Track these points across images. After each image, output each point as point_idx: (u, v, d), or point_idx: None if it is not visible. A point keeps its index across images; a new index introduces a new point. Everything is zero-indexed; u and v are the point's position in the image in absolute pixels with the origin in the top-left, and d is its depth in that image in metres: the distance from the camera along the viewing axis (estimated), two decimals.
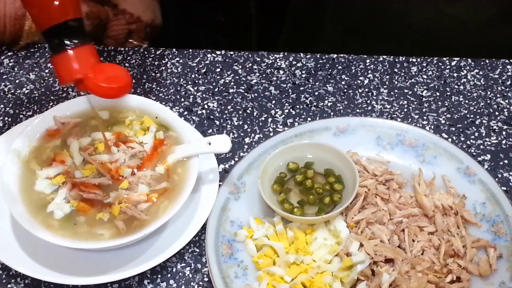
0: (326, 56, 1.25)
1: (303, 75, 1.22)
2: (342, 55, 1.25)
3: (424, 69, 1.22)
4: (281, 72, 1.23)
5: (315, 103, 1.17)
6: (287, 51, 1.27)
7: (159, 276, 0.94)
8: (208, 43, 1.95)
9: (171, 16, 1.70)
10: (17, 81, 1.23)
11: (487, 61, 1.23)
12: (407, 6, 1.30)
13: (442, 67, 1.23)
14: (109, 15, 1.39)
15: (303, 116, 1.15)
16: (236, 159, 1.08)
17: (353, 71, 1.23)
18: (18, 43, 1.26)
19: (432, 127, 1.12)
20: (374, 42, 1.37)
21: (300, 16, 1.56)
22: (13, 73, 1.24)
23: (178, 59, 1.26)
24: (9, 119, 1.16)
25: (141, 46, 1.40)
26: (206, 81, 1.22)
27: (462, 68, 1.22)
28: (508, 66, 1.22)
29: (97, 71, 0.87)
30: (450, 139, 1.10)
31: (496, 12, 1.29)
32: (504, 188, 1.02)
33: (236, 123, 1.14)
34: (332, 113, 1.15)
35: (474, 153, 1.08)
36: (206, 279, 0.94)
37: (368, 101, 1.17)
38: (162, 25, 1.50)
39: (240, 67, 1.24)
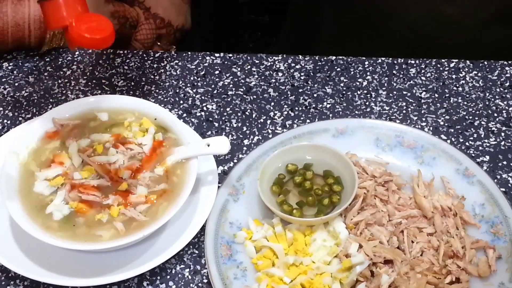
0: (325, 58, 1.26)
1: (302, 77, 1.22)
2: (340, 57, 1.25)
3: (423, 71, 1.22)
4: (280, 74, 1.23)
5: (314, 105, 1.17)
6: (286, 52, 1.28)
7: (158, 277, 0.94)
8: (255, 45, 1.95)
9: (208, 19, 1.70)
10: (16, 84, 1.23)
11: (485, 62, 1.23)
12: (404, 5, 1.30)
13: (441, 68, 1.23)
14: (139, 17, 1.39)
15: (302, 118, 1.15)
16: (235, 160, 1.08)
17: (352, 73, 1.23)
18: (42, 47, 1.26)
19: (431, 128, 1.12)
20: (372, 41, 1.38)
21: (299, 16, 1.56)
22: (12, 76, 1.24)
23: (177, 61, 1.26)
24: (8, 122, 1.16)
25: (169, 50, 1.39)
26: (205, 83, 1.22)
27: (461, 70, 1.22)
28: (507, 68, 1.22)
29: (80, 20, 0.88)
30: (449, 141, 1.10)
31: (494, 11, 1.29)
32: (503, 189, 1.02)
33: (235, 125, 1.14)
34: (331, 115, 1.15)
35: (473, 154, 1.08)
36: (205, 281, 0.94)
37: (367, 103, 1.17)
38: (190, 29, 1.49)
39: (239, 69, 1.24)
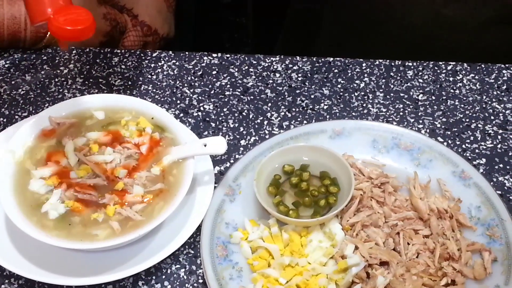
0: (322, 59, 1.26)
1: (299, 78, 1.22)
2: (338, 58, 1.25)
3: (420, 73, 1.22)
4: (277, 75, 1.23)
5: (311, 106, 1.17)
6: (285, 52, 1.28)
7: (154, 277, 0.94)
8: (233, 45, 1.97)
9: (189, 21, 1.71)
10: (13, 82, 1.23)
11: (483, 65, 1.23)
12: (405, 6, 1.30)
13: (438, 71, 1.23)
14: (127, 23, 1.40)
15: (299, 119, 1.15)
16: (232, 161, 1.08)
17: (349, 74, 1.23)
18: (37, 45, 1.26)
19: (428, 130, 1.12)
20: (372, 42, 1.38)
21: (298, 16, 1.57)
22: (9, 75, 1.24)
23: (174, 61, 1.26)
24: (5, 120, 1.15)
25: None
26: (202, 83, 1.22)
27: (458, 73, 1.22)
28: (504, 71, 1.22)
29: (59, 13, 0.86)
30: (445, 143, 1.10)
31: (494, 14, 1.29)
32: (499, 192, 1.02)
33: (232, 126, 1.14)
34: (328, 116, 1.15)
35: (470, 157, 1.08)
36: (200, 281, 0.93)
37: (364, 105, 1.17)
38: (173, 37, 1.50)
39: (236, 69, 1.24)
